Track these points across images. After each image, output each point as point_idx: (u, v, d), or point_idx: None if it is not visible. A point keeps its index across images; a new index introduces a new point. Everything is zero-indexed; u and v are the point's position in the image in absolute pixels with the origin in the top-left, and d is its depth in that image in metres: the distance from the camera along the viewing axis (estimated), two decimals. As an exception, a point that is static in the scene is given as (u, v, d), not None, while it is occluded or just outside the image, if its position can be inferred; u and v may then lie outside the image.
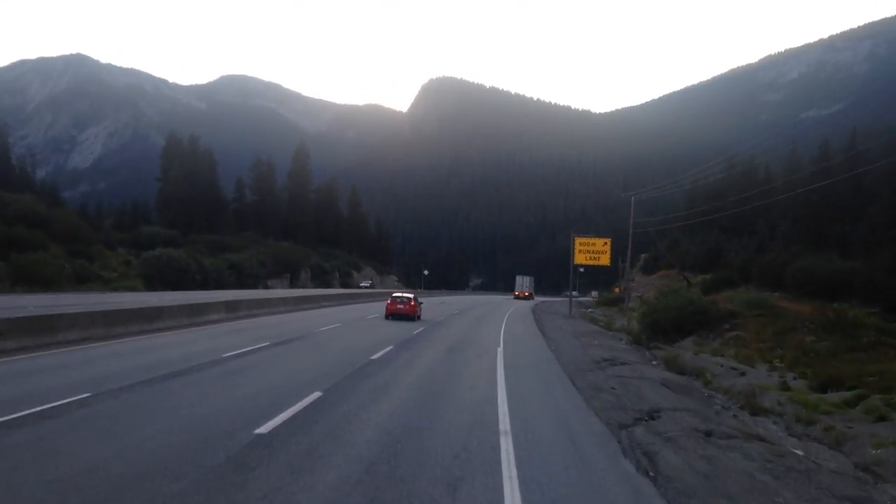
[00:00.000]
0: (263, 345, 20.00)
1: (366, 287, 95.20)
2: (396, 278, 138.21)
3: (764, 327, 33.94)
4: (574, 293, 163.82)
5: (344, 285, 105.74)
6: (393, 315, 35.70)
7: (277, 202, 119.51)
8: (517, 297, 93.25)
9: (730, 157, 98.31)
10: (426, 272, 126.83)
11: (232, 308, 29.74)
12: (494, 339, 26.33)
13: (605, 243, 42.12)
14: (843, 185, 58.46)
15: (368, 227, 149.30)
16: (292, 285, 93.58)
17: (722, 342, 34.19)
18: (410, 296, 37.64)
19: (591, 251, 41.17)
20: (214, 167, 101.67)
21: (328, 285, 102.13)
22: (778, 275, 45.80)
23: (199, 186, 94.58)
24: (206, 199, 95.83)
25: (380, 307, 39.67)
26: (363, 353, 19.74)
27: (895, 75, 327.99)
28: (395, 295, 38.04)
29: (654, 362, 26.29)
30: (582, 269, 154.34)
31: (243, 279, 78.23)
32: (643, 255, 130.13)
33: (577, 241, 41.60)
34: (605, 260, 42.29)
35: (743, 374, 24.45)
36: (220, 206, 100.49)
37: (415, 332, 27.59)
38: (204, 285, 68.01)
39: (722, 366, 25.92)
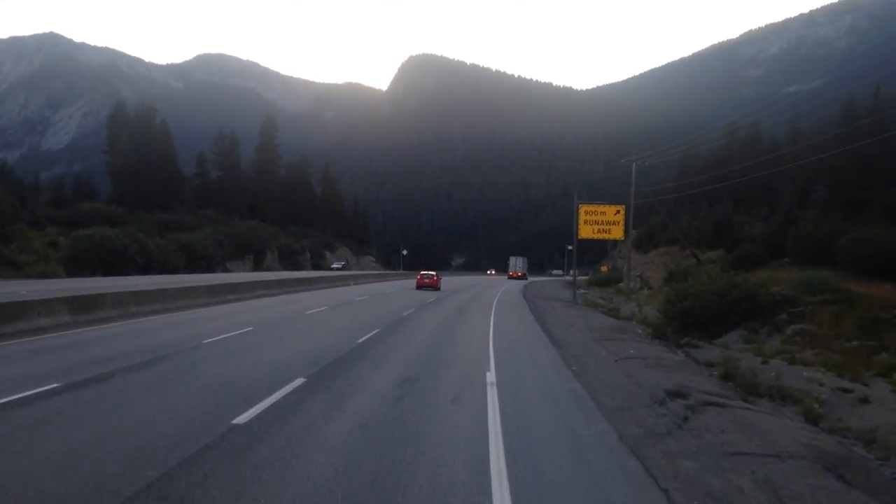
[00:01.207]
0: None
1: (337, 269, 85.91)
2: (374, 259, 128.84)
3: (838, 318, 25.07)
4: (558, 272, 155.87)
5: (315, 267, 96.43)
6: (421, 287, 49.37)
7: (243, 179, 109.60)
8: (511, 277, 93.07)
9: (729, 124, 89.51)
10: (405, 252, 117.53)
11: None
12: (481, 354, 17.26)
13: (618, 211, 32.60)
14: (870, 149, 50.04)
15: (344, 205, 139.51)
16: (256, 268, 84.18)
17: (784, 339, 25.30)
18: (433, 273, 53.97)
19: (600, 222, 31.83)
20: (169, 139, 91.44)
21: (298, 267, 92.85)
22: (822, 249, 36.97)
23: (151, 160, 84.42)
24: (159, 174, 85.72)
25: (341, 295, 31.64)
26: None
27: (876, 50, 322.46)
28: (422, 273, 54.17)
29: (707, 371, 17.52)
30: (570, 247, 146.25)
31: (196, 262, 68.64)
32: (633, 231, 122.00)
33: (583, 209, 32.06)
34: (617, 233, 32.96)
35: (865, 399, 15.52)
36: (176, 182, 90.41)
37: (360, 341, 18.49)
38: (145, 269, 58.55)
39: (821, 383, 16.98)
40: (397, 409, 9.74)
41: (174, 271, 62.46)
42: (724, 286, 28.31)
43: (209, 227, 78.63)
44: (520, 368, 14.10)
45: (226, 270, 76.17)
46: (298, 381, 11.20)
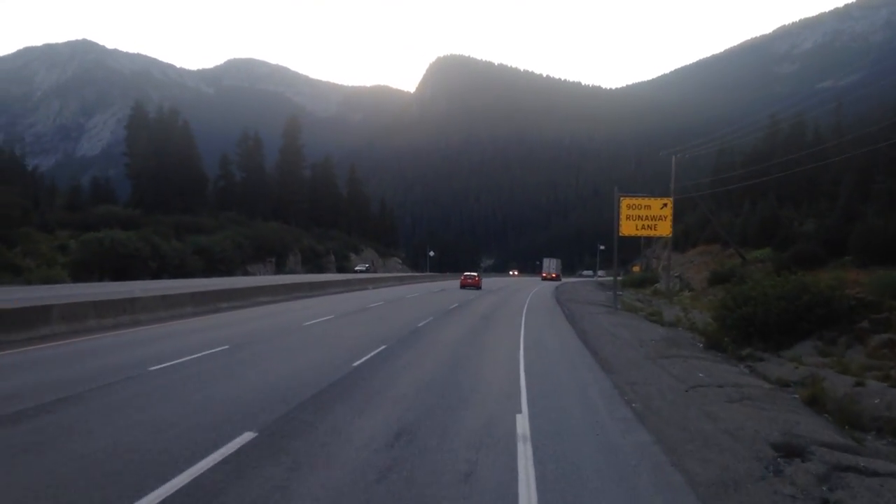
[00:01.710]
0: None
1: (361, 272, 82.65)
2: (401, 261, 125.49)
3: (936, 327, 20.97)
4: (588, 273, 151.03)
5: (340, 269, 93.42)
6: (465, 286, 55.47)
7: (267, 181, 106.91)
8: (545, 279, 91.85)
9: (771, 116, 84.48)
10: (432, 253, 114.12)
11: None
12: (509, 383, 13.60)
13: (665, 205, 28.16)
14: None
15: (371, 207, 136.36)
16: (278, 271, 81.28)
17: (869, 351, 21.23)
18: (475, 274, 61.28)
19: (644, 217, 27.56)
20: (191, 141, 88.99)
21: (321, 270, 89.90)
22: (893, 245, 32.68)
23: (171, 162, 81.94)
24: (179, 176, 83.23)
25: (355, 301, 28.21)
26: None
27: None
28: (465, 273, 61.03)
29: (789, 393, 13.68)
30: (602, 247, 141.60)
31: (214, 265, 65.80)
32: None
33: (625, 202, 27.78)
34: (664, 229, 28.57)
35: None
36: (197, 185, 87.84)
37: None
38: (159, 274, 55.77)
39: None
40: (374, 496, 6.10)
41: (190, 275, 59.65)
42: (793, 289, 24.21)
43: (230, 229, 75.80)
44: (561, 407, 10.33)
45: (246, 274, 73.29)
46: (238, 442, 7.63)
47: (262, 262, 79.17)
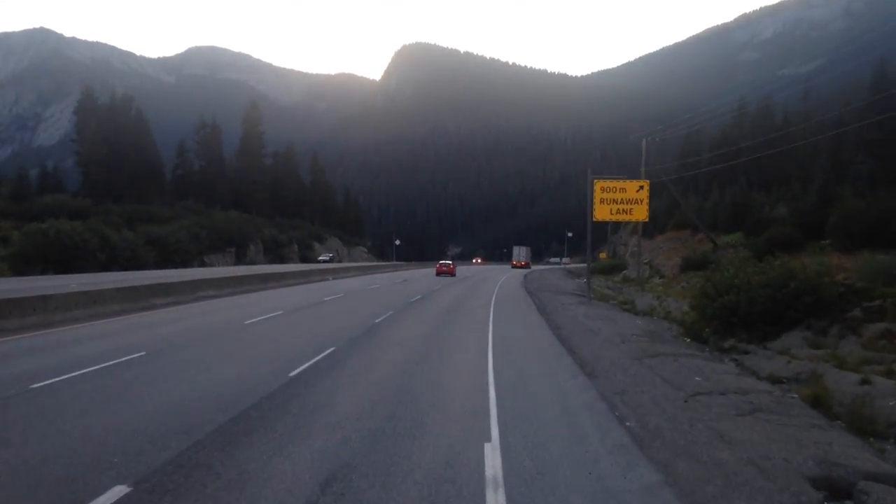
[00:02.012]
0: None
1: (325, 261, 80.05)
2: (366, 250, 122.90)
3: (934, 316, 19.41)
4: (556, 260, 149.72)
5: (304, 259, 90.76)
6: (440, 274, 58.78)
7: (227, 169, 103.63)
8: (515, 266, 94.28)
9: (739, 99, 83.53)
10: (398, 242, 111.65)
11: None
12: (475, 397, 11.60)
13: (641, 188, 26.09)
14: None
15: (335, 196, 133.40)
16: (238, 262, 78.38)
17: (865, 342, 19.63)
18: (450, 262, 65.38)
19: (620, 201, 25.49)
20: (145, 128, 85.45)
21: (283, 260, 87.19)
22: (875, 229, 31.29)
23: (124, 149, 78.36)
24: (132, 164, 79.69)
25: (311, 294, 26.04)
26: None
27: (872, 32, 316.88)
28: (441, 262, 65.39)
29: (788, 394, 11.92)
30: (570, 234, 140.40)
31: (169, 256, 62.80)
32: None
33: (599, 185, 25.68)
34: (640, 213, 26.42)
35: None
36: (151, 173, 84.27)
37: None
38: (108, 266, 52.74)
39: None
40: None
41: (142, 267, 56.71)
42: (779, 276, 22.53)
43: (186, 219, 72.68)
44: (540, 430, 8.25)
45: (203, 265, 70.35)
46: (96, 506, 5.45)
47: (221, 252, 76.22)
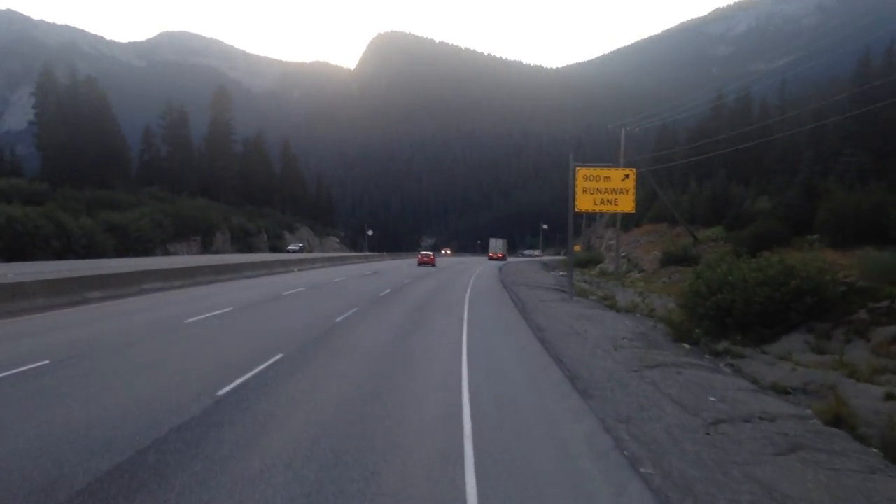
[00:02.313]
0: None
1: (294, 251, 77.44)
2: (338, 240, 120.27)
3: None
4: (530, 252, 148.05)
5: (273, 249, 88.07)
6: (422, 264, 62.65)
7: (195, 155, 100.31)
8: (491, 259, 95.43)
9: (717, 90, 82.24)
10: (370, 233, 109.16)
11: None
12: (444, 425, 9.56)
13: (627, 176, 23.86)
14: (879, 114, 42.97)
15: (307, 184, 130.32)
16: (204, 250, 75.58)
17: (875, 347, 17.96)
18: (431, 253, 72.45)
19: (604, 190, 23.35)
20: (108, 111, 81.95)
21: (252, 249, 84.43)
22: (867, 223, 29.75)
23: (85, 132, 74.97)
24: (94, 147, 76.28)
25: (271, 287, 24.00)
26: None
27: (844, 27, 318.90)
28: (422, 252, 72.49)
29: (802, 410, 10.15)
30: (545, 227, 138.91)
31: (129, 244, 59.92)
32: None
33: (581, 173, 23.43)
34: (626, 204, 24.16)
35: None
36: (115, 157, 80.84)
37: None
38: (63, 254, 49.83)
39: None
40: None
41: (101, 255, 53.88)
42: (777, 273, 20.74)
43: (149, 205, 69.62)
44: (530, 483, 6.20)
45: (167, 253, 67.54)
46: None
47: (186, 241, 73.31)
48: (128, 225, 60.14)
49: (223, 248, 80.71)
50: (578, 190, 23.82)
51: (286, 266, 40.28)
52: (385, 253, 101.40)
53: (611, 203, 23.93)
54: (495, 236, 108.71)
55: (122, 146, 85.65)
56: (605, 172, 24.02)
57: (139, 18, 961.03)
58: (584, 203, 24.16)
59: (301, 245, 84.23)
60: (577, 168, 24.00)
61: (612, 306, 31.00)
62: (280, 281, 32.13)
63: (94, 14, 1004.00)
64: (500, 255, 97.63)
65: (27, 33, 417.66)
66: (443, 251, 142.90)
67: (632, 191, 23.81)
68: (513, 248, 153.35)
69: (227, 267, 32.87)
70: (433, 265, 61.88)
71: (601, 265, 79.68)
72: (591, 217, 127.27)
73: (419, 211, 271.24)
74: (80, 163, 73.98)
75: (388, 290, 27.19)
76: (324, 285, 29.46)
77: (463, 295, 27.68)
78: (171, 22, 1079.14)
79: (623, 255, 64.25)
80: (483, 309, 22.56)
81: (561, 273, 70.46)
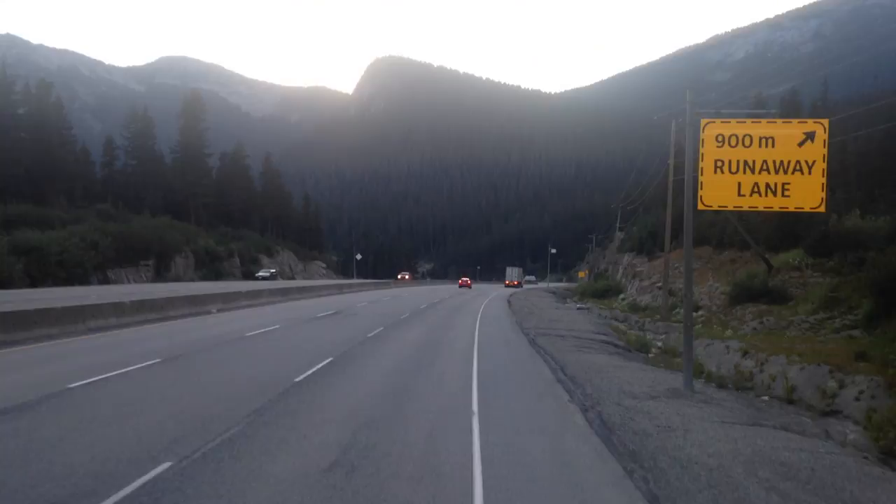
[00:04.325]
0: None
1: (265, 278, 64.75)
2: (325, 265, 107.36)
3: None
4: (531, 278, 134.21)
5: (247, 275, 75.38)
6: (462, 286, 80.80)
7: (163, 169, 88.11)
8: (507, 286, 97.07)
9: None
10: (359, 257, 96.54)
11: None
12: None
13: (809, 136, 11.59)
14: None
15: (292, 204, 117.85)
16: (158, 277, 62.86)
17: None
18: (468, 279, 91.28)
19: (762, 166, 11.16)
20: (58, 119, 70.04)
21: (220, 276, 71.78)
22: None
23: (23, 143, 62.72)
24: (34, 158, 64.03)
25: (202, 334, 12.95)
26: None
27: (841, 54, 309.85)
28: (462, 278, 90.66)
29: None
30: (554, 251, 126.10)
31: (49, 270, 47.17)
32: (618, 234, 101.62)
33: (713, 129, 10.82)
34: (807, 193, 11.45)
35: None
36: (60, 170, 68.41)
37: None
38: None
39: None
40: None
41: (8, 285, 41.21)
42: None
43: (89, 223, 57.01)
44: None
45: (105, 281, 54.79)
46: None
47: (135, 266, 60.57)
48: (48, 246, 47.39)
49: (185, 273, 68.04)
50: (706, 165, 11.03)
51: (204, 305, 27.16)
52: (370, 280, 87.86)
53: (775, 191, 11.04)
54: (493, 261, 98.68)
55: (70, 159, 73.25)
56: (763, 129, 11.07)
57: (139, 44, 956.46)
58: (716, 190, 11.16)
59: (273, 271, 71.54)
60: (706, 123, 11.19)
61: (711, 378, 18.40)
62: (217, 325, 19.59)
63: (94, 39, 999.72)
64: (516, 283, 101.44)
65: (26, 57, 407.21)
66: (399, 275, 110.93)
67: (820, 165, 10.93)
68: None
69: (113, 308, 20.33)
70: (469, 287, 78.09)
71: (623, 295, 66.97)
72: (602, 237, 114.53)
73: (416, 235, 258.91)
74: (12, 175, 61.54)
75: (327, 360, 14.44)
76: (200, 355, 16.14)
77: (469, 349, 15.92)
78: (170, 47, 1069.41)
79: (659, 284, 51.45)
80: (505, 404, 9.99)
81: (579, 306, 57.67)
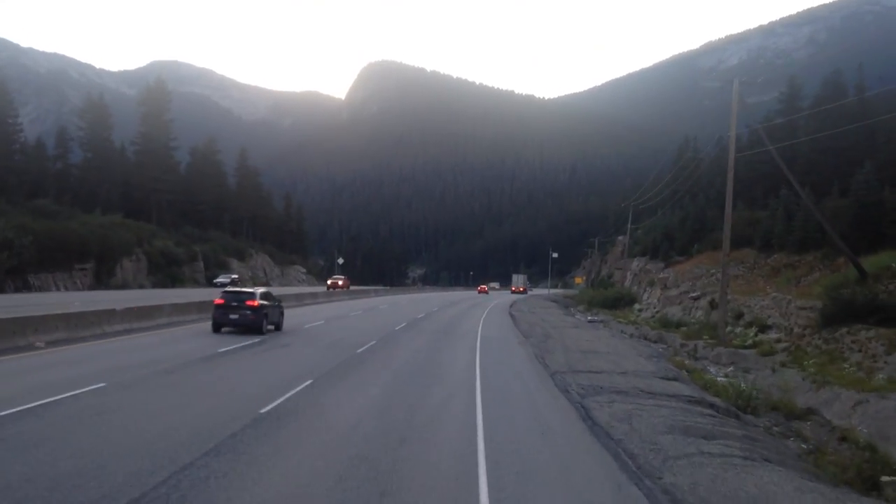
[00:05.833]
0: None
1: (223, 284, 54.73)
2: (305, 270, 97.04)
3: None
4: (529, 285, 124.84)
5: (211, 281, 65.09)
6: (481, 293, 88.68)
7: (124, 163, 78.09)
8: (513, 292, 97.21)
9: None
10: (340, 261, 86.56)
11: None
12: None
13: None
14: None
15: (271, 204, 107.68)
16: (99, 282, 52.72)
17: None
18: (486, 285, 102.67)
19: None
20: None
21: (176, 281, 61.76)
22: None
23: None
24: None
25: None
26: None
27: (834, 61, 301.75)
28: (481, 286, 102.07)
29: None
30: (555, 255, 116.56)
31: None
32: (620, 238, 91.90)
33: None
34: None
35: None
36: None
37: None
38: None
39: None
40: None
41: None
42: None
43: (12, 219, 46.79)
44: None
45: (25, 287, 44.59)
46: None
47: (69, 270, 50.39)
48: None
49: (133, 279, 57.87)
50: None
51: (44, 333, 16.83)
52: (368, 287, 76.52)
53: None
54: (486, 266, 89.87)
55: (14, 150, 63.30)
56: None
57: (130, 48, 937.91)
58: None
59: (234, 277, 61.29)
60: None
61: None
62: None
63: (85, 43, 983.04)
64: (521, 289, 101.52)
65: (15, 60, 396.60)
66: (329, 282, 73.83)
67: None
68: (508, 280, 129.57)
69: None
70: (487, 293, 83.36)
71: (638, 305, 57.17)
72: (603, 244, 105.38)
73: (408, 239, 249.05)
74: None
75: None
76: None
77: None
78: (162, 52, 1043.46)
79: (693, 294, 41.54)
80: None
81: (591, 318, 47.88)
